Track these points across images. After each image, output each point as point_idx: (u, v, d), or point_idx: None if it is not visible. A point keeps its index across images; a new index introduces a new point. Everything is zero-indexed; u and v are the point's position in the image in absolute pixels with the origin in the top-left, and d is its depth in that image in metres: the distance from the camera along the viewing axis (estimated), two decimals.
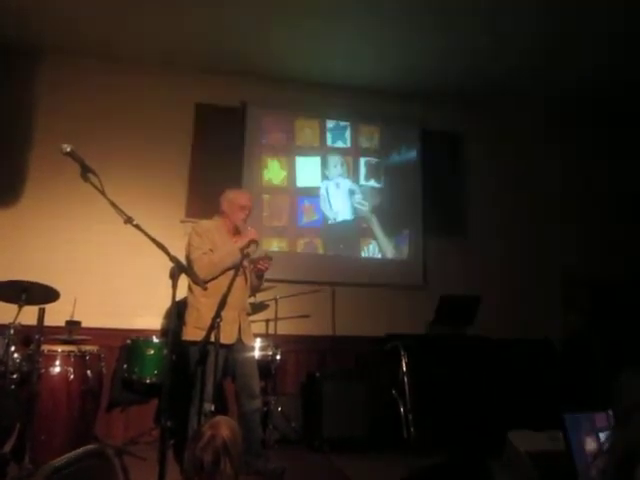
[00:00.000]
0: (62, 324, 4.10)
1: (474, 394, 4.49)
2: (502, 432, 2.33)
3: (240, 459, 1.82)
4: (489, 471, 1.99)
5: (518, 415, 4.04)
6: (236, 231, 3.52)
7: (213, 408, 2.96)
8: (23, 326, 3.54)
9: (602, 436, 1.82)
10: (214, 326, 2.81)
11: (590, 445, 1.80)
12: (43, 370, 3.59)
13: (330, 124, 5.75)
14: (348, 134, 5.78)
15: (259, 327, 4.54)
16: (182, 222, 4.96)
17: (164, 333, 4.62)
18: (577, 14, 4.40)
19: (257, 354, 4.23)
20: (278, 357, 4.49)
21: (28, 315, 3.46)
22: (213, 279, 3.28)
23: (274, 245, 5.35)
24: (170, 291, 2.51)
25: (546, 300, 5.69)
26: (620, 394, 1.42)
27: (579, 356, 4.99)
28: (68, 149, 2.32)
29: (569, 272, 5.80)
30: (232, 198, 3.56)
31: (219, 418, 1.94)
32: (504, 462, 2.23)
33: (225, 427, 1.81)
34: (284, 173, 5.54)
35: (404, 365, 4.48)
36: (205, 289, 3.05)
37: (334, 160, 5.69)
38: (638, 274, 5.67)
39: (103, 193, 2.38)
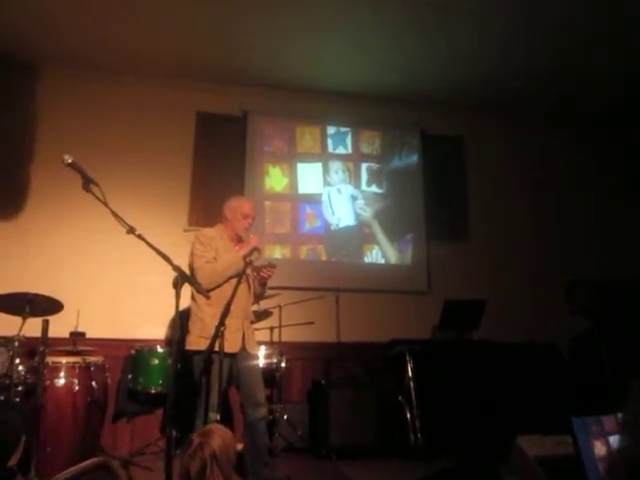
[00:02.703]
0: (66, 335, 4.11)
1: (481, 399, 4.46)
2: (510, 437, 2.31)
3: (231, 468, 1.80)
4: (497, 476, 1.98)
5: (526, 419, 4.01)
6: (239, 239, 3.52)
7: (219, 417, 2.95)
8: (27, 338, 3.55)
9: (611, 439, 1.80)
10: (218, 335, 2.81)
11: (599, 449, 1.78)
12: (48, 382, 3.59)
13: (331, 130, 5.76)
14: (349, 140, 5.79)
15: (263, 335, 4.53)
16: (185, 231, 4.96)
17: (168, 343, 4.61)
18: (576, 16, 4.41)
19: (262, 362, 4.22)
20: (283, 365, 4.47)
21: (32, 327, 3.46)
22: (216, 288, 3.28)
23: (277, 252, 5.35)
24: (173, 300, 2.51)
25: (552, 303, 5.65)
26: (632, 401, 1.41)
27: (586, 359, 4.96)
28: (70, 160, 2.33)
29: (574, 274, 5.77)
30: (236, 206, 3.55)
31: (211, 427, 1.93)
32: (512, 467, 2.21)
33: (216, 436, 1.79)
34: (286, 180, 5.55)
35: (410, 371, 4.46)
36: (208, 298, 3.04)
37: (335, 166, 5.69)
38: None
39: (105, 203, 2.39)
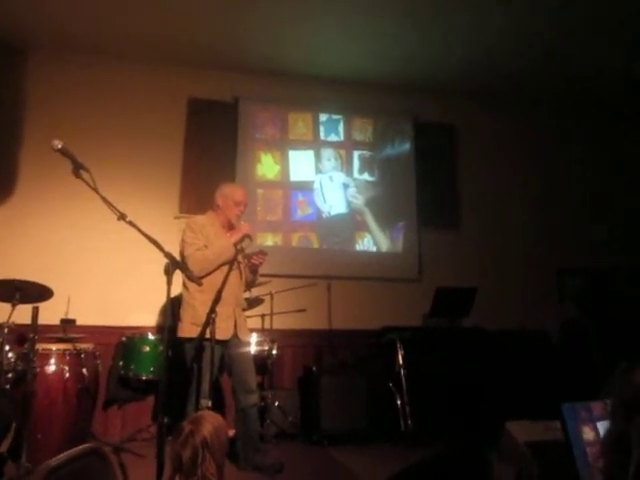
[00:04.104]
0: (57, 322, 4.08)
1: (471, 385, 4.51)
2: (499, 422, 2.33)
3: (223, 455, 1.81)
4: (487, 461, 2.00)
5: (515, 406, 4.06)
6: (230, 226, 3.51)
7: (210, 404, 2.96)
8: (17, 325, 3.52)
9: (599, 425, 1.82)
10: (209, 322, 2.81)
11: (588, 434, 1.81)
12: (38, 369, 3.56)
13: (323, 117, 5.72)
14: (341, 127, 5.76)
15: (255, 322, 4.53)
16: (176, 218, 4.94)
17: (159, 330, 4.61)
18: (575, 12, 4.41)
19: (253, 349, 4.22)
20: (274, 352, 4.48)
21: (22, 314, 3.43)
22: (207, 275, 3.27)
23: (269, 240, 5.34)
24: (165, 287, 2.50)
25: (542, 290, 5.70)
26: (616, 384, 1.44)
27: (575, 346, 5.02)
28: (59, 145, 2.30)
29: (564, 262, 5.82)
30: (227, 193, 3.54)
31: (202, 413, 1.94)
32: (502, 452, 2.24)
33: (207, 422, 1.80)
34: (278, 167, 5.52)
35: (400, 358, 4.49)
36: (200, 285, 3.04)
37: (327, 153, 5.67)
38: (634, 263, 5.69)
39: (95, 189, 2.37)
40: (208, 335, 2.85)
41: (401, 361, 4.48)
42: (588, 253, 5.82)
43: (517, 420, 2.29)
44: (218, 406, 3.72)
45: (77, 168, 2.35)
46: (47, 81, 5.07)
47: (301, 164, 5.57)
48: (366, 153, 5.77)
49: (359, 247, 5.57)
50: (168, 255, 2.54)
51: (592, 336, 4.93)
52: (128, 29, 4.83)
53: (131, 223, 2.44)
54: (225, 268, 3.12)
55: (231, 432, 3.03)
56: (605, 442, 1.41)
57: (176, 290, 3.16)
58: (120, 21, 4.71)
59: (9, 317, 3.47)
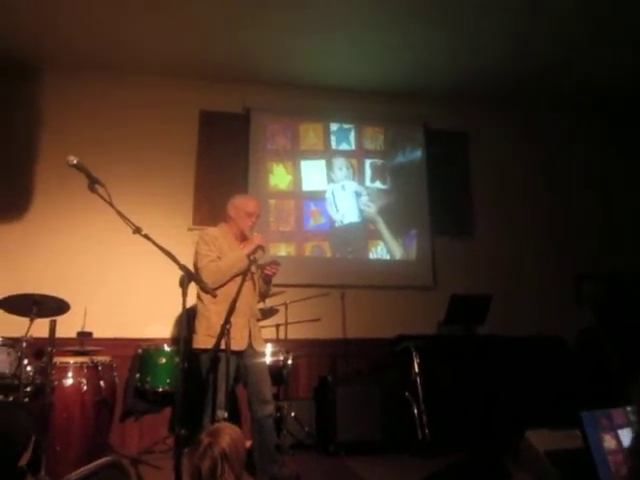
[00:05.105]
0: (74, 335, 4.12)
1: (488, 393, 4.46)
2: (518, 431, 2.31)
3: (242, 466, 1.81)
4: (505, 470, 1.97)
5: (534, 414, 4.01)
6: (243, 237, 3.52)
7: (226, 415, 2.96)
8: (35, 339, 3.56)
9: (621, 433, 1.80)
10: (224, 333, 2.82)
11: (609, 442, 1.78)
12: (56, 382, 3.60)
13: (334, 127, 5.75)
14: (352, 136, 5.77)
15: (270, 332, 4.53)
16: (190, 230, 4.97)
17: (175, 341, 4.63)
18: (576, 6, 4.39)
19: (268, 359, 4.22)
20: (290, 362, 4.47)
21: (40, 327, 3.47)
22: (221, 286, 3.28)
23: (282, 250, 5.35)
24: (180, 299, 2.52)
25: (558, 297, 5.64)
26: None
27: (593, 352, 4.95)
28: (74, 161, 2.33)
29: (579, 267, 5.76)
30: (239, 204, 3.55)
31: (219, 425, 1.95)
32: (521, 461, 2.21)
33: (225, 434, 1.80)
34: (290, 178, 5.54)
35: (416, 366, 4.47)
36: (215, 296, 3.05)
37: (339, 163, 5.68)
38: None
39: (111, 204, 2.39)
40: (223, 346, 2.86)
41: (417, 369, 4.45)
42: (605, 258, 5.76)
43: (536, 428, 2.26)
44: (234, 417, 3.72)
45: (93, 183, 2.37)
46: (61, 97, 5.15)
47: (313, 174, 5.59)
48: (378, 161, 5.78)
49: (372, 255, 5.56)
50: (183, 267, 2.55)
51: (610, 342, 4.87)
52: (139, 45, 4.89)
53: (146, 236, 2.46)
54: (239, 279, 3.13)
55: (248, 443, 3.03)
56: (630, 448, 1.39)
57: (191, 301, 3.17)
58: (132, 37, 4.77)
59: (27, 331, 3.52)
